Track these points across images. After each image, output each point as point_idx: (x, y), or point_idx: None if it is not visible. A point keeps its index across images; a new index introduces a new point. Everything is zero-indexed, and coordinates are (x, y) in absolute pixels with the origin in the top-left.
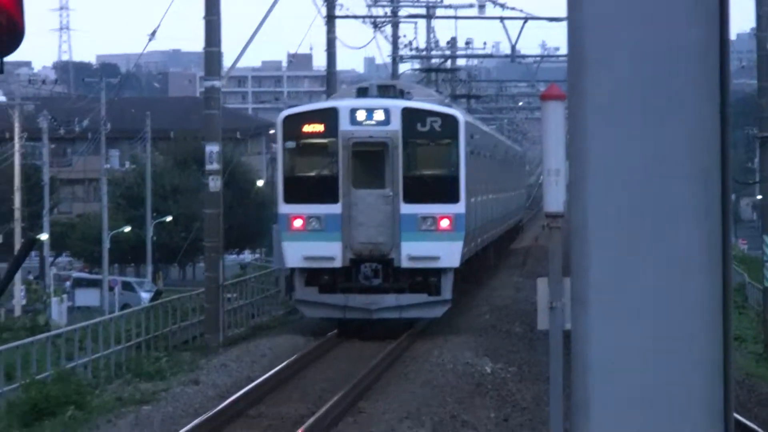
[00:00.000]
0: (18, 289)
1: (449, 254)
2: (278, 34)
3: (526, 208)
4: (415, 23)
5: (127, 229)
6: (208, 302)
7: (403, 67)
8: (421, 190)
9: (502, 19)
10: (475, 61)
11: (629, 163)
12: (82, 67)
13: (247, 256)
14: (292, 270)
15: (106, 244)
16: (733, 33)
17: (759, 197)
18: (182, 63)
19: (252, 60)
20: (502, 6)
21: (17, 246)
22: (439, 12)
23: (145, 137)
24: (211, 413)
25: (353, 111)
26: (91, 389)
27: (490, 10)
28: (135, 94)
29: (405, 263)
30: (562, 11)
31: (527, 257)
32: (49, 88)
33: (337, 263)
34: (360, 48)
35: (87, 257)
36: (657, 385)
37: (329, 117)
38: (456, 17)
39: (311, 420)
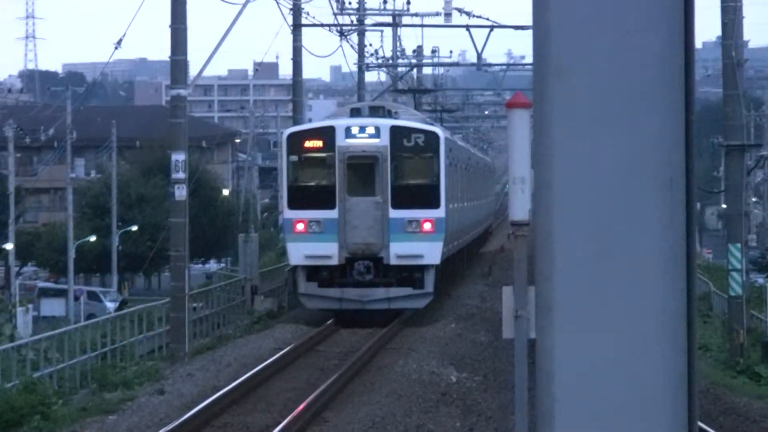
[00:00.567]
0: None
1: (431, 253)
2: (244, 43)
3: (494, 215)
4: (382, 32)
5: (93, 238)
6: (174, 312)
7: (369, 76)
8: (406, 197)
9: (468, 27)
10: (441, 70)
11: (594, 172)
12: (48, 76)
13: (212, 265)
14: (294, 267)
15: (72, 254)
16: (699, 41)
17: (724, 206)
18: (149, 72)
19: (218, 69)
20: (468, 14)
21: None
22: (405, 20)
23: (111, 146)
24: (176, 423)
25: (348, 129)
26: (57, 399)
27: (456, 18)
28: (101, 103)
29: (393, 261)
30: (527, 20)
31: (493, 266)
32: (14, 97)
33: (334, 261)
34: (326, 56)
35: (53, 267)
36: (621, 394)
37: (327, 134)
38: (422, 25)
39: (276, 430)
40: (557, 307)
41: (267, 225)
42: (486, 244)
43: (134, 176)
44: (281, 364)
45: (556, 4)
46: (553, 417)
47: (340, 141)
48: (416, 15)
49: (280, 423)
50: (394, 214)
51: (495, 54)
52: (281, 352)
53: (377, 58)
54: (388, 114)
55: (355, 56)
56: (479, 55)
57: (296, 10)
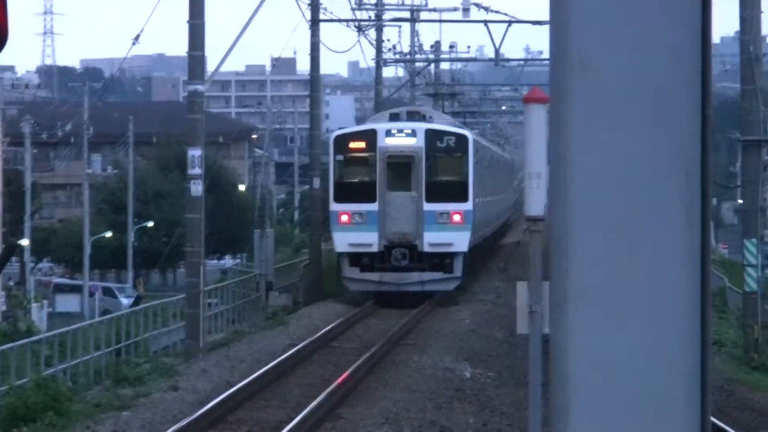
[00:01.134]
0: None
1: (460, 241)
2: (262, 39)
3: (512, 209)
4: (400, 27)
5: (109, 234)
6: (189, 308)
7: (387, 71)
8: (439, 192)
9: (486, 22)
10: (459, 65)
11: (609, 166)
12: (65, 72)
13: (228, 261)
14: (339, 254)
15: (87, 250)
16: (717, 36)
17: (740, 201)
18: (166, 67)
19: (236, 64)
20: (486, 9)
21: None
22: (423, 15)
23: (128, 142)
24: (190, 419)
25: (388, 131)
26: (71, 395)
27: (474, 13)
28: (118, 99)
29: (426, 248)
30: (545, 15)
31: (508, 261)
32: (32, 93)
33: (374, 248)
34: (344, 52)
35: (68, 263)
36: (635, 390)
37: (369, 136)
38: (440, 21)
39: (290, 426)
40: (571, 303)
41: (283, 221)
42: (506, 236)
43: (151, 172)
44: (295, 360)
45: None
46: (567, 413)
47: (381, 142)
48: (434, 10)
49: (294, 419)
50: (428, 207)
51: (513, 49)
52: (295, 348)
53: (395, 54)
54: (423, 118)
55: (373, 52)
56: (497, 51)
57: (314, 6)
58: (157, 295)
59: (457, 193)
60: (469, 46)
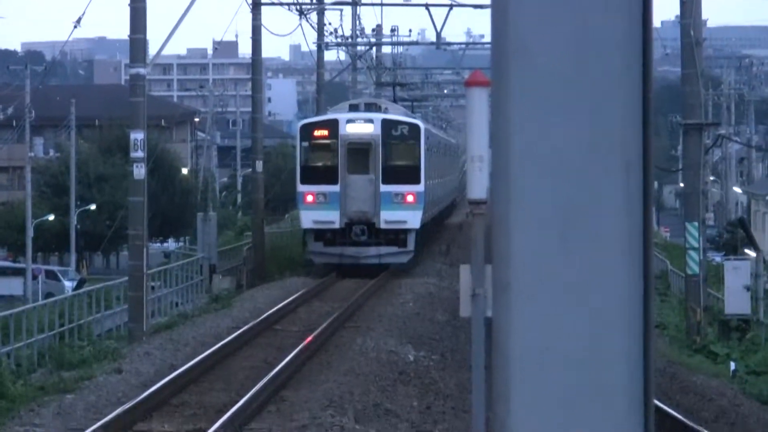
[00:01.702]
0: None
1: (413, 219)
2: (204, 22)
3: (458, 190)
4: (341, 10)
5: (51, 217)
6: (132, 291)
7: (329, 55)
8: (394, 175)
9: (427, 6)
10: (401, 49)
11: (549, 152)
12: (7, 55)
13: (171, 244)
14: (305, 231)
15: (30, 233)
16: (658, 20)
17: (682, 185)
18: (108, 50)
19: (177, 48)
20: None
21: None
22: None
23: (70, 125)
24: (133, 402)
25: (349, 120)
26: (14, 378)
27: None
28: (60, 82)
29: (383, 225)
30: None
31: (451, 244)
32: None
33: (336, 225)
34: (285, 35)
35: (11, 246)
36: (577, 375)
37: (332, 125)
38: (382, 4)
39: (234, 408)
40: (514, 287)
41: (226, 204)
42: (452, 216)
43: (93, 155)
44: (239, 343)
45: None
46: (509, 396)
47: (342, 130)
48: None
49: (237, 402)
50: (384, 188)
51: (454, 33)
52: (239, 331)
53: (337, 37)
54: (379, 109)
55: (315, 35)
56: (438, 34)
57: None
58: (100, 278)
59: (411, 176)
60: (410, 30)
